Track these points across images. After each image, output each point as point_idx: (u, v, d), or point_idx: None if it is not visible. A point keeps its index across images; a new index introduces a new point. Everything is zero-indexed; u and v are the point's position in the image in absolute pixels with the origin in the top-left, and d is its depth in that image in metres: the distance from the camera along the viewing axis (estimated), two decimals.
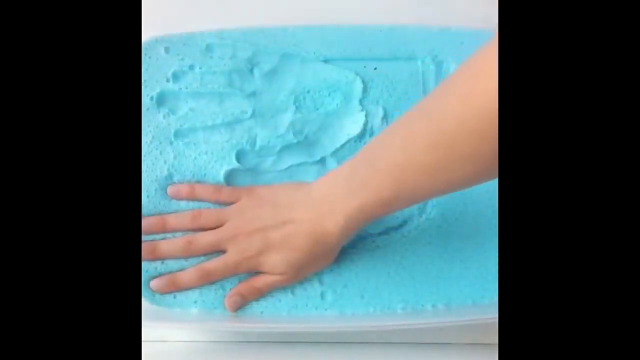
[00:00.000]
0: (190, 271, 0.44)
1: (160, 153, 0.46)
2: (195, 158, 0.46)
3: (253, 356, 0.47)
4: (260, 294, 0.44)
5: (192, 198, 0.45)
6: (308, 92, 0.48)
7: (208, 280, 0.43)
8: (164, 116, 0.47)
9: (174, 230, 0.45)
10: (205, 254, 0.44)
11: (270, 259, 0.42)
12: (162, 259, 0.44)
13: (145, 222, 0.44)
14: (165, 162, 0.46)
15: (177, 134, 0.47)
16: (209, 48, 0.48)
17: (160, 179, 0.46)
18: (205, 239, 0.43)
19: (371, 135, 0.47)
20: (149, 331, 0.46)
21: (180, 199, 0.45)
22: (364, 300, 0.45)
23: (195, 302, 0.44)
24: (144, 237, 0.44)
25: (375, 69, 0.48)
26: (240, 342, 0.47)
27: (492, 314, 0.42)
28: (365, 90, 0.48)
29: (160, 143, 0.46)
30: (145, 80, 0.47)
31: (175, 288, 0.44)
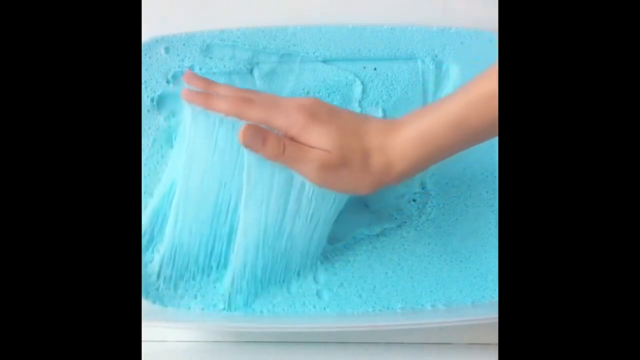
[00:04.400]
0: (228, 88, 0.41)
1: (162, 156, 0.46)
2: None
3: (253, 356, 0.47)
4: (279, 154, 0.39)
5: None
6: (308, 92, 0.48)
7: (242, 107, 0.40)
8: (164, 118, 0.47)
9: (218, 110, 0.41)
10: (255, 122, 0.40)
11: (316, 129, 0.39)
12: (214, 111, 0.41)
13: (190, 91, 0.42)
14: (167, 165, 0.46)
15: (179, 137, 0.47)
16: (208, 48, 0.48)
17: (163, 181, 0.46)
18: (259, 107, 0.40)
19: None
20: (149, 331, 0.46)
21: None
22: (362, 299, 0.45)
23: (195, 297, 0.44)
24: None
25: (375, 69, 0.48)
26: (240, 342, 0.47)
27: (492, 314, 0.42)
28: (364, 91, 0.48)
29: (162, 146, 0.47)
30: (145, 81, 0.47)
31: (206, 104, 0.41)
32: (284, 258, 0.44)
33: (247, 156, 0.39)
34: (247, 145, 0.39)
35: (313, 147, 0.39)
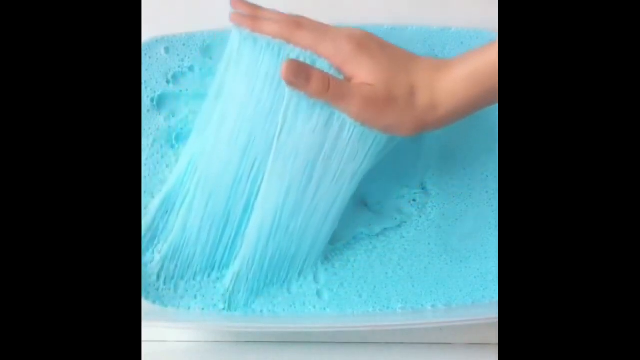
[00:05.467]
0: (276, 14, 0.40)
1: (162, 157, 0.46)
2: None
3: (253, 356, 0.47)
4: (324, 90, 0.37)
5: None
6: None
7: (291, 30, 0.39)
8: (164, 118, 0.47)
9: (266, 32, 0.40)
10: (304, 48, 0.39)
11: (363, 61, 0.38)
12: (261, 32, 0.40)
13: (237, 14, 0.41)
14: (167, 166, 0.46)
15: (179, 138, 0.47)
16: (208, 49, 0.48)
17: (164, 181, 0.46)
18: (307, 32, 0.39)
19: None
20: (149, 331, 0.46)
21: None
22: (362, 299, 0.45)
23: (195, 297, 0.44)
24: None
25: None
26: (240, 342, 0.47)
27: (492, 314, 0.42)
28: None
29: (162, 146, 0.47)
30: (145, 81, 0.47)
31: (254, 26, 0.40)
32: (294, 245, 0.43)
33: (288, 94, 0.38)
34: (290, 81, 0.37)
35: (357, 81, 0.38)
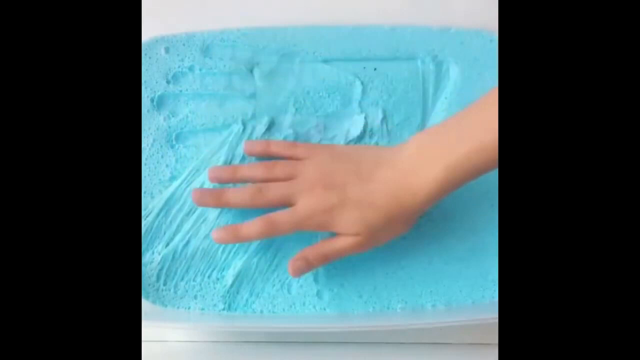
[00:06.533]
0: (254, 221, 0.40)
1: (162, 156, 0.46)
2: (197, 160, 0.46)
3: (253, 356, 0.47)
4: (327, 260, 0.41)
5: (266, 154, 0.44)
6: (308, 92, 0.48)
7: (272, 232, 0.40)
8: (164, 118, 0.47)
9: (244, 180, 0.43)
10: (273, 207, 0.41)
11: (344, 216, 0.39)
12: (228, 206, 0.42)
13: (216, 170, 0.43)
14: (167, 166, 0.46)
15: (179, 138, 0.47)
16: (208, 49, 0.48)
17: (163, 181, 0.46)
18: (277, 189, 0.41)
19: (371, 137, 0.47)
20: (149, 331, 0.46)
21: (253, 154, 0.45)
22: (362, 299, 0.45)
23: (195, 297, 0.44)
24: (213, 185, 0.44)
25: (375, 69, 0.48)
26: (240, 342, 0.47)
27: (492, 314, 0.42)
28: (364, 91, 0.48)
29: (162, 146, 0.46)
30: (145, 81, 0.47)
31: (236, 239, 0.42)
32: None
33: None
34: (297, 275, 0.42)
35: (340, 231, 0.40)
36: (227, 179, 0.43)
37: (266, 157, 0.45)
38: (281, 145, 0.44)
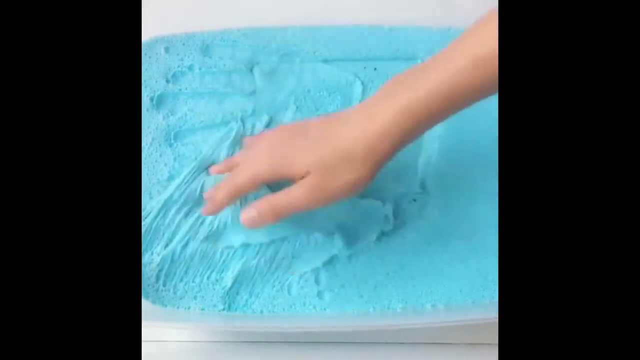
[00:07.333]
0: (220, 185, 0.42)
1: (160, 155, 0.46)
2: (195, 159, 0.46)
3: (253, 356, 0.47)
4: (278, 211, 0.40)
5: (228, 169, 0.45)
6: (309, 91, 0.48)
7: (234, 189, 0.41)
8: (163, 117, 0.47)
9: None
10: (247, 186, 0.41)
11: (297, 152, 0.39)
12: (225, 205, 0.43)
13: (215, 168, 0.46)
14: (165, 165, 0.46)
15: (177, 136, 0.47)
16: (208, 48, 0.48)
17: (162, 181, 0.46)
18: (238, 167, 0.42)
19: None
20: (149, 331, 0.46)
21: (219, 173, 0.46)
22: (363, 299, 0.45)
23: (195, 297, 0.44)
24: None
25: (375, 69, 0.48)
26: (240, 342, 0.47)
27: (492, 314, 0.42)
28: (364, 91, 0.48)
29: (160, 145, 0.46)
30: (145, 81, 0.47)
31: (214, 207, 0.43)
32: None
33: None
34: (250, 226, 0.41)
35: (296, 175, 0.39)
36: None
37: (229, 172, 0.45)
38: (226, 162, 0.46)
